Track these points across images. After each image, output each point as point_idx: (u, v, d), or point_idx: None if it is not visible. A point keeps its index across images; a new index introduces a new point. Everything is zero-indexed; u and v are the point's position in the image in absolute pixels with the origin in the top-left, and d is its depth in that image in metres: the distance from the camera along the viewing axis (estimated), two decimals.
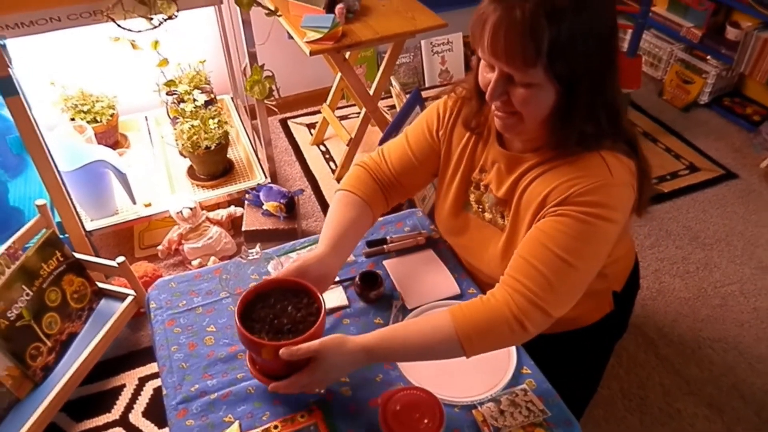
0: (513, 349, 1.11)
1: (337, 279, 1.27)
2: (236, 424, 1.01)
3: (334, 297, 1.23)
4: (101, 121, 2.32)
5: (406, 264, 1.31)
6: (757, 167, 2.66)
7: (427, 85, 3.27)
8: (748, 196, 2.52)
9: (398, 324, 1.01)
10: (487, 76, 0.93)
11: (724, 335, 1.94)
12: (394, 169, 1.21)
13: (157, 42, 1.69)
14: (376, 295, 1.22)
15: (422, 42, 3.17)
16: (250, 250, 1.21)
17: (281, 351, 0.93)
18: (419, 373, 1.07)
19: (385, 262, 1.31)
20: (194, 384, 1.08)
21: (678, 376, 1.82)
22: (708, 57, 3.00)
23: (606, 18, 0.87)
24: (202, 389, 1.07)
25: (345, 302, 1.22)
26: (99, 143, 2.24)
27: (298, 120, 3.05)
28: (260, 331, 0.98)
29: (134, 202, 2.11)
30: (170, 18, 1.56)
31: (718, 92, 3.05)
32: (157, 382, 1.81)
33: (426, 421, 0.94)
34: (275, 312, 1.01)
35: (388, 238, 1.37)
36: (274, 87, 1.94)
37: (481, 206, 1.14)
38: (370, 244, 1.36)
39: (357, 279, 1.24)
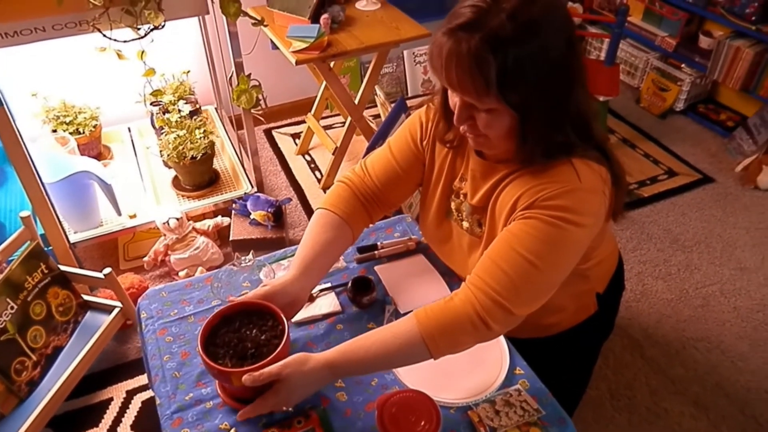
0: (506, 350, 1.12)
1: (329, 285, 1.27)
2: (232, 431, 1.01)
3: (326, 303, 1.24)
4: (84, 133, 2.30)
5: (398, 269, 1.32)
6: (732, 171, 2.73)
7: (410, 95, 3.30)
8: (725, 199, 2.59)
9: (361, 336, 0.99)
10: (454, 98, 0.96)
11: (707, 335, 1.98)
12: (379, 182, 1.19)
13: (143, 52, 1.68)
14: (369, 300, 1.23)
15: (405, 52, 3.21)
16: (243, 257, 1.21)
17: (243, 378, 0.94)
18: (414, 376, 1.08)
19: (376, 268, 1.32)
20: (188, 393, 1.07)
21: (664, 376, 1.85)
22: (682, 65, 3.09)
23: (557, 41, 0.87)
24: (197, 398, 1.06)
25: (338, 308, 1.23)
26: (82, 155, 2.22)
27: (283, 130, 3.05)
28: (224, 356, 0.99)
29: (119, 214, 2.09)
30: (157, 28, 1.56)
31: (693, 99, 3.14)
32: (145, 395, 1.79)
33: (423, 423, 0.95)
34: (239, 336, 1.02)
35: (378, 243, 1.38)
36: (260, 96, 1.95)
37: (460, 215, 1.15)
38: (361, 250, 1.37)
39: (349, 285, 1.24)
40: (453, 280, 1.28)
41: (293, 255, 1.35)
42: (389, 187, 1.20)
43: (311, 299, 1.24)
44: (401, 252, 1.36)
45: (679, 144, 2.91)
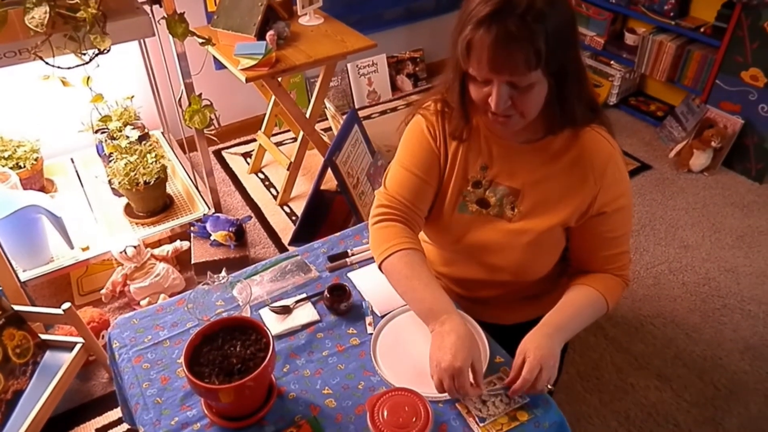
0: (485, 341, 1.16)
1: (305, 295, 1.28)
2: None
3: (304, 313, 1.24)
4: (25, 167, 2.21)
5: (370, 274, 1.33)
6: (666, 157, 2.91)
7: (357, 107, 3.34)
8: (663, 183, 2.75)
9: (558, 305, 1.14)
10: (483, 90, 1.00)
11: (661, 311, 2.10)
12: (410, 201, 1.18)
13: (89, 78, 1.64)
14: (346, 306, 1.24)
15: (349, 65, 3.25)
16: (216, 276, 1.20)
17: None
18: (400, 375, 1.09)
19: (349, 275, 1.34)
20: (173, 417, 1.05)
21: (627, 353, 1.94)
22: (612, 62, 3.27)
23: (568, 8, 0.97)
24: (183, 421, 1.04)
25: (316, 317, 1.23)
26: (24, 189, 2.12)
27: (233, 150, 3.02)
28: (210, 375, 0.99)
29: (72, 247, 2.01)
30: (102, 52, 1.53)
31: (624, 93, 3.33)
32: (116, 431, 1.72)
33: (414, 420, 0.97)
34: (224, 353, 1.02)
35: (349, 251, 1.40)
36: (213, 116, 1.93)
37: (482, 203, 1.17)
38: (332, 258, 1.38)
39: (325, 293, 1.25)
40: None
41: (264, 269, 1.36)
42: (421, 201, 1.19)
43: (288, 311, 1.24)
44: (372, 257, 1.38)
45: (616, 136, 3.00)
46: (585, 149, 1.08)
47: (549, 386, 1.05)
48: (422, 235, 1.32)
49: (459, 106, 1.10)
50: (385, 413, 0.97)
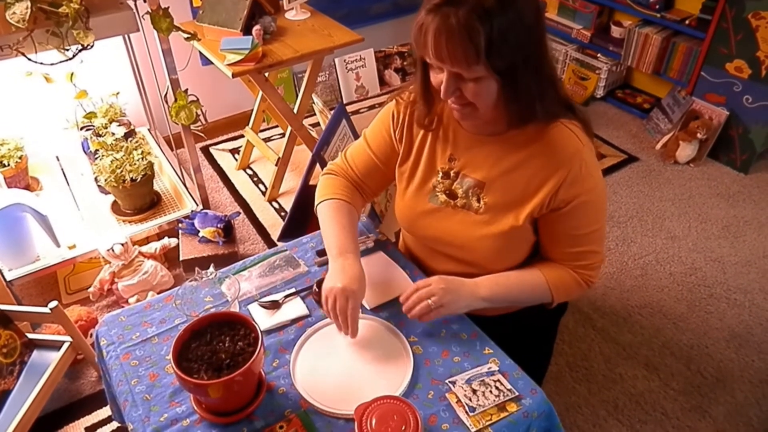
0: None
1: (293, 290, 1.27)
2: None
3: (293, 308, 1.24)
4: (9, 165, 2.18)
5: None
6: (653, 149, 2.93)
7: (345, 101, 3.33)
8: (650, 175, 2.77)
9: (496, 275, 1.17)
10: (438, 76, 1.02)
11: (649, 301, 2.12)
12: (360, 172, 1.30)
13: (72, 74, 1.62)
14: None
15: (336, 60, 3.24)
16: (204, 272, 1.19)
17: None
18: (317, 393, 1.07)
19: None
20: (162, 414, 1.05)
21: (615, 343, 1.96)
22: (598, 55, 3.29)
23: (530, 8, 0.96)
24: (172, 417, 1.04)
25: (305, 312, 1.23)
26: (9, 188, 2.10)
27: (221, 146, 3.00)
28: (199, 370, 0.98)
29: (58, 245, 1.99)
30: (86, 48, 1.51)
31: (611, 86, 3.34)
32: (107, 429, 1.71)
33: (403, 428, 0.94)
34: (212, 348, 1.02)
35: None
36: (200, 111, 1.92)
37: (451, 194, 1.19)
38: (320, 253, 1.38)
39: (314, 287, 1.25)
40: (415, 273, 1.31)
41: (252, 264, 1.36)
42: (369, 177, 1.31)
43: (277, 306, 1.24)
44: (361, 251, 1.38)
45: (603, 128, 3.10)
46: (550, 143, 1.08)
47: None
48: (403, 232, 1.39)
49: (421, 92, 1.12)
50: (374, 422, 0.95)
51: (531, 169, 1.10)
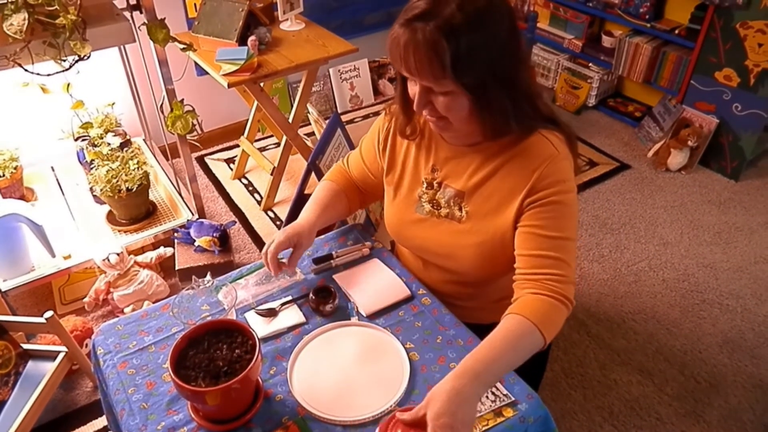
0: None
1: (290, 298, 1.28)
2: None
3: (290, 315, 1.25)
4: (5, 175, 2.18)
5: (355, 275, 1.34)
6: (645, 157, 2.96)
7: (339, 111, 3.35)
8: (642, 182, 2.80)
9: (480, 345, 0.99)
10: (414, 88, 1.05)
11: (642, 307, 2.13)
12: (355, 178, 1.38)
13: (69, 84, 1.63)
14: (332, 308, 1.25)
15: (330, 70, 3.25)
16: (201, 280, 1.20)
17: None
18: (315, 400, 1.07)
19: (334, 276, 1.34)
20: (160, 422, 1.05)
21: (609, 349, 1.97)
22: (590, 64, 3.33)
23: (503, 26, 0.97)
24: (170, 426, 1.04)
25: (302, 319, 1.24)
26: (4, 198, 2.10)
27: (216, 156, 3.01)
28: (197, 378, 0.99)
29: (53, 255, 1.99)
30: (82, 59, 1.52)
31: (602, 95, 3.38)
32: None
33: None
34: (210, 356, 1.02)
35: (333, 253, 1.40)
36: (196, 121, 1.93)
37: (435, 204, 1.21)
38: (317, 261, 1.38)
39: (311, 295, 1.26)
40: (410, 280, 1.32)
41: (249, 273, 1.36)
42: (363, 184, 1.38)
43: (274, 314, 1.25)
44: (356, 259, 1.39)
45: (596, 136, 3.13)
46: (525, 149, 1.08)
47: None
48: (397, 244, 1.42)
49: (400, 103, 1.15)
50: None
51: (506, 174, 1.11)
